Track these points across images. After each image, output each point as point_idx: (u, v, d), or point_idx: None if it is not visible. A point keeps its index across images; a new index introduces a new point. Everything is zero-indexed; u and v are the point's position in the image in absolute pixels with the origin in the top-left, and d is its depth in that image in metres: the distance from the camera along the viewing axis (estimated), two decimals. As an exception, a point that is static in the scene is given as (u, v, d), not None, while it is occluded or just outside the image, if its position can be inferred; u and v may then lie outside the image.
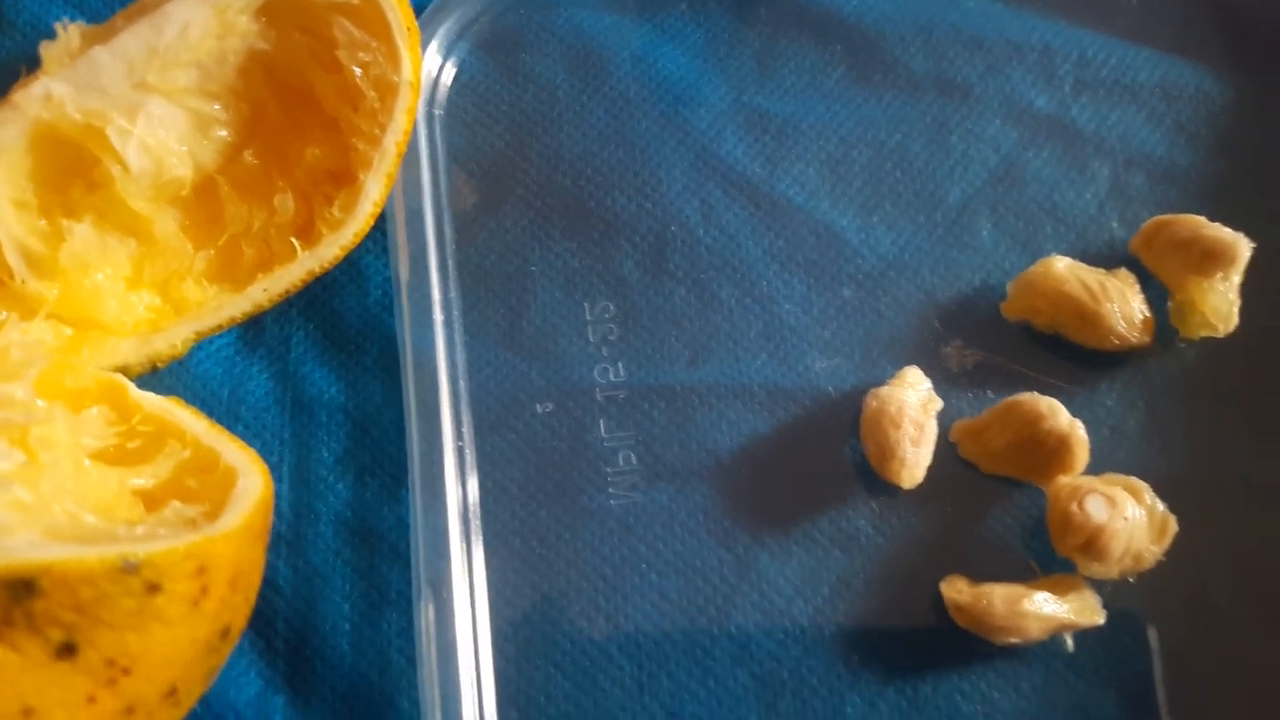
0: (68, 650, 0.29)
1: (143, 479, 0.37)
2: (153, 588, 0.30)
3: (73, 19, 0.47)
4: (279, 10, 0.43)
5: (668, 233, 0.47)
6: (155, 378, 0.44)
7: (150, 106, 0.42)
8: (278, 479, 0.44)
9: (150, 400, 0.41)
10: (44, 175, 0.41)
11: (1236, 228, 0.44)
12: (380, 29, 0.43)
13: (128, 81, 0.41)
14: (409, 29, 0.43)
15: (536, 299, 0.46)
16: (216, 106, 0.43)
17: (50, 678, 0.29)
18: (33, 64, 0.43)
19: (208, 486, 0.37)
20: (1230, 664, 0.41)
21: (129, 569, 0.29)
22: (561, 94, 0.50)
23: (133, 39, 0.40)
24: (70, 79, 0.40)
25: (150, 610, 0.30)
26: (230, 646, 0.34)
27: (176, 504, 0.34)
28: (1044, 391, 0.43)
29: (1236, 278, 0.44)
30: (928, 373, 0.44)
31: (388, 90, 0.43)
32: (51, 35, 0.46)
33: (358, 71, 0.43)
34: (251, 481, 0.36)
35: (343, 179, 0.44)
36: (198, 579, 0.31)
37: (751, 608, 0.42)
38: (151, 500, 0.37)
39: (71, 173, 0.42)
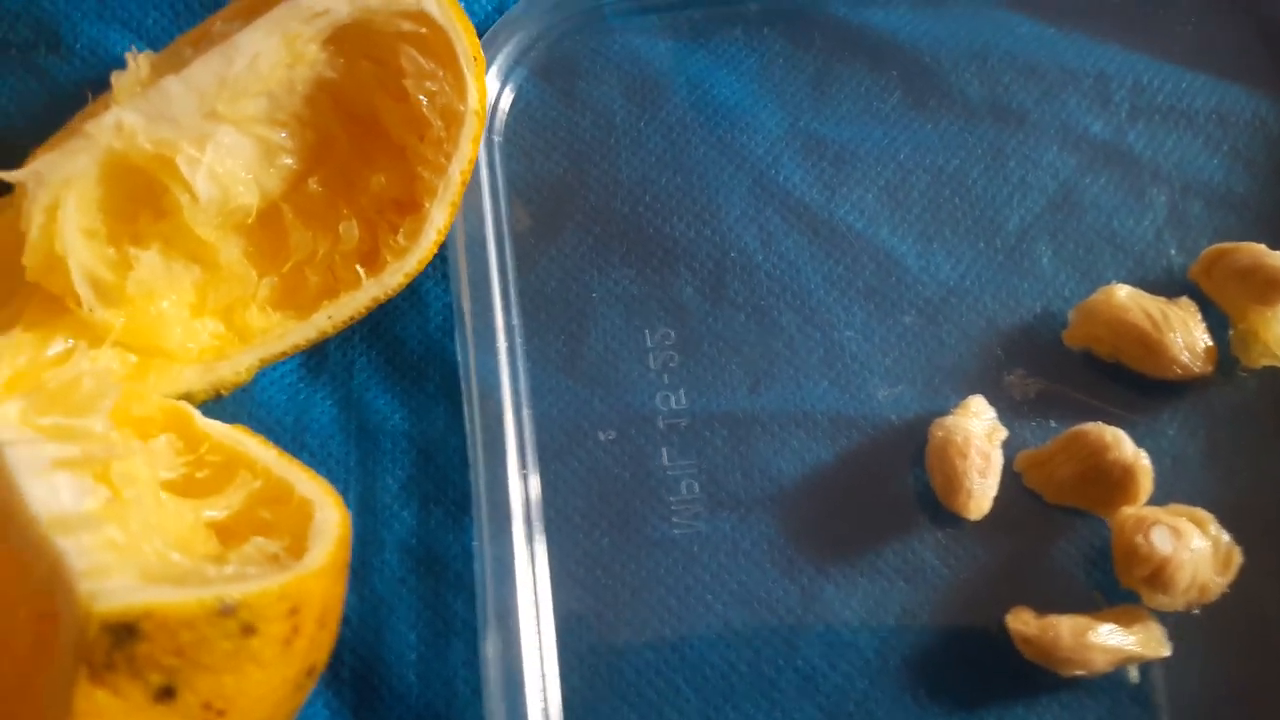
0: (167, 694, 0.29)
1: (215, 510, 0.37)
2: (248, 629, 0.30)
3: (132, 43, 0.47)
4: (347, 39, 0.43)
5: (727, 259, 0.47)
6: (219, 405, 0.44)
7: (219, 136, 0.42)
8: (344, 507, 0.44)
9: (217, 428, 0.41)
10: (113, 204, 0.41)
11: (1297, 256, 0.44)
12: (447, 58, 0.43)
13: (198, 111, 0.41)
14: (475, 58, 0.43)
15: (597, 326, 0.46)
16: (283, 134, 0.43)
17: (149, 721, 0.29)
18: (95, 88, 0.44)
19: (283, 519, 0.37)
20: (1296, 696, 0.41)
21: (226, 611, 0.29)
22: (618, 120, 0.50)
23: (203, 69, 0.40)
24: (141, 109, 0.40)
25: (246, 652, 0.30)
26: (314, 684, 0.34)
27: (259, 540, 0.34)
28: (1106, 420, 0.43)
29: (1299, 307, 0.44)
30: (991, 401, 0.44)
31: (454, 119, 0.43)
32: (110, 59, 0.47)
33: (424, 100, 0.43)
34: (330, 515, 0.36)
35: (407, 207, 0.44)
36: (290, 619, 0.31)
37: (817, 639, 0.42)
38: (225, 532, 0.37)
39: (140, 201, 0.42)
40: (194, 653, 0.29)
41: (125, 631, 0.28)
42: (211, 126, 0.41)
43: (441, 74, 0.42)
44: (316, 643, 0.33)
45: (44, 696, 0.30)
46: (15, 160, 0.40)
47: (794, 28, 0.51)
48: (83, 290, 0.41)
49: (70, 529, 0.31)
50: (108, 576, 0.29)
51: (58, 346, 0.41)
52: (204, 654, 0.29)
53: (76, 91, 0.45)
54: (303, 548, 0.34)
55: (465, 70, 0.42)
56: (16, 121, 0.48)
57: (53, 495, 0.32)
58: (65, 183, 0.39)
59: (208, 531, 0.37)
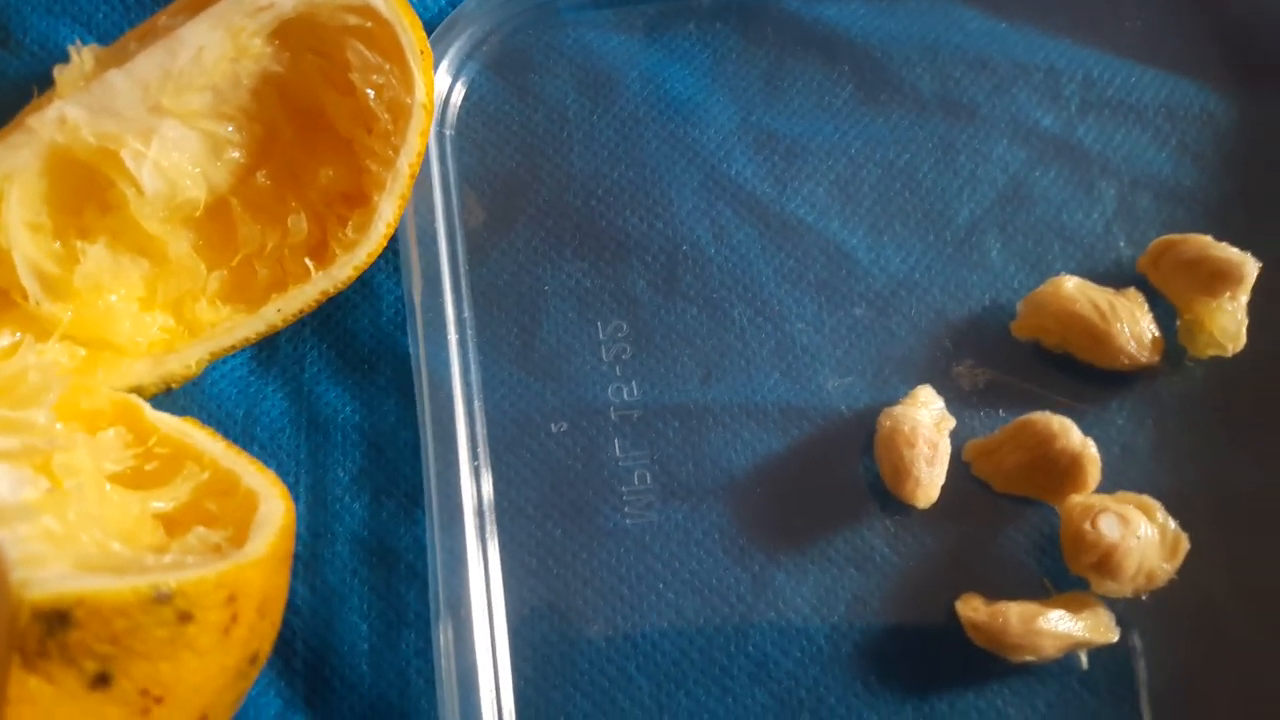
0: (102, 681, 0.29)
1: (162, 502, 0.37)
2: (185, 617, 0.30)
3: (81, 38, 0.47)
4: (292, 33, 0.43)
5: (679, 252, 0.48)
6: (169, 398, 0.44)
7: (164, 129, 0.41)
8: (294, 498, 0.43)
9: (166, 421, 0.41)
10: (58, 198, 0.41)
11: (1243, 247, 0.44)
12: (393, 52, 0.43)
13: (142, 105, 0.41)
14: (422, 51, 0.43)
15: (549, 318, 0.46)
16: (230, 128, 0.43)
17: (85, 708, 0.29)
18: (43, 83, 0.43)
19: (229, 510, 0.37)
20: (1242, 681, 0.41)
21: (162, 599, 0.29)
22: (571, 114, 0.50)
23: (147, 62, 0.40)
24: (85, 102, 0.40)
25: (183, 639, 0.30)
26: (257, 672, 0.34)
27: (201, 530, 0.34)
28: (1054, 410, 0.43)
29: (1244, 297, 0.44)
30: (940, 391, 0.45)
31: (401, 112, 0.43)
32: (60, 54, 0.46)
33: (371, 94, 0.43)
34: (274, 506, 0.36)
35: (356, 200, 0.44)
36: (228, 607, 0.31)
37: (769, 626, 0.42)
38: (171, 524, 0.37)
39: (85, 195, 0.42)
40: (129, 640, 0.29)
41: (57, 619, 0.28)
42: (156, 120, 0.41)
43: (388, 67, 0.42)
44: (257, 631, 0.33)
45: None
46: (-38, 155, 0.39)
47: (746, 22, 0.52)
48: (29, 283, 0.41)
49: (6, 519, 0.31)
50: (42, 565, 0.29)
51: (4, 340, 0.41)
52: (139, 641, 0.29)
53: (25, 86, 0.45)
54: (245, 538, 0.34)
55: (412, 63, 0.42)
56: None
57: (-10, 486, 0.32)
58: (7, 176, 0.39)
59: (154, 523, 0.37)
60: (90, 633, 0.28)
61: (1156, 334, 0.45)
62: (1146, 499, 0.42)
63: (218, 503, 0.37)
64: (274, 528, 0.35)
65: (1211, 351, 0.44)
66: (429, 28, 0.48)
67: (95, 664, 0.29)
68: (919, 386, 0.44)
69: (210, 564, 0.31)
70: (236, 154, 0.44)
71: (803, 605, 0.42)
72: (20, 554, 0.29)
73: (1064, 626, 0.40)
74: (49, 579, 0.28)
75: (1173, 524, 0.41)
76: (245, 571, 0.32)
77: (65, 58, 0.41)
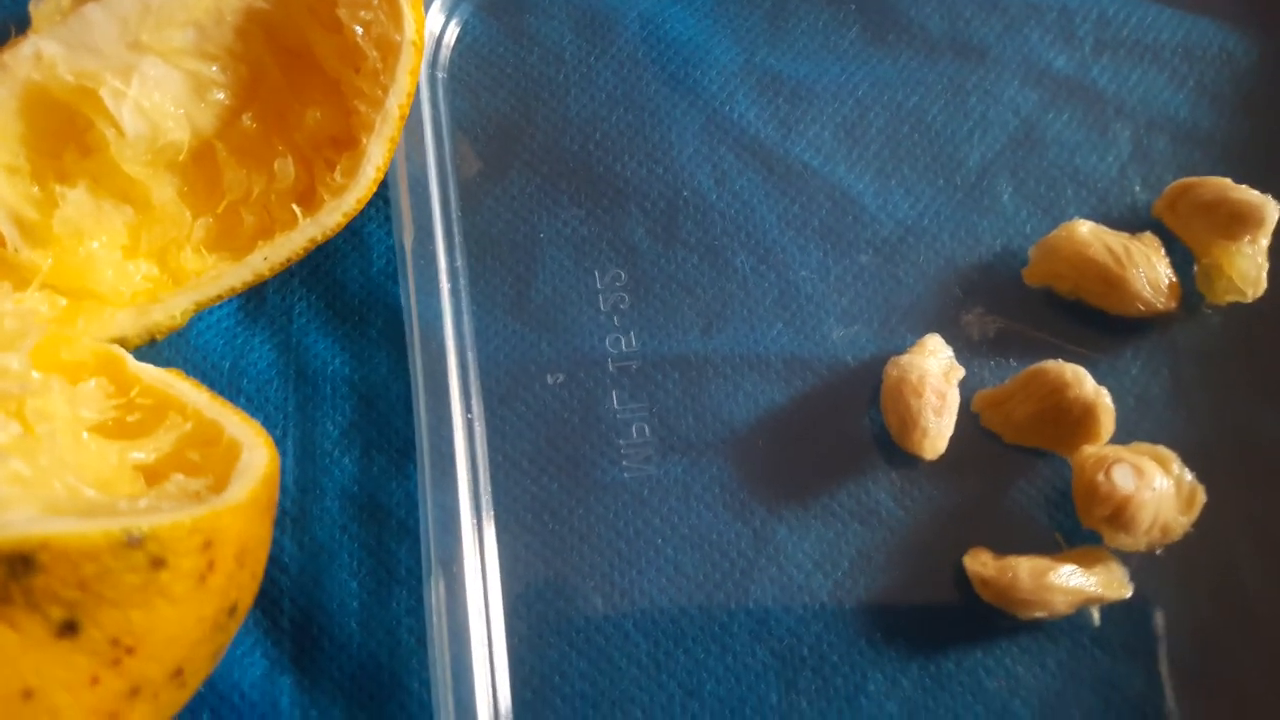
0: (69, 629, 0.28)
1: (143, 453, 0.36)
2: (158, 563, 0.29)
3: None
4: (278, -33, 0.41)
5: (679, 198, 0.46)
6: (154, 350, 0.43)
7: (145, 67, 0.40)
8: (282, 453, 0.42)
9: (149, 372, 0.39)
10: (36, 139, 0.40)
11: (1263, 190, 0.43)
12: (382, -13, 0.41)
13: (121, 41, 0.39)
14: (412, -14, 0.42)
15: (545, 267, 0.45)
16: (214, 68, 0.42)
17: (52, 657, 0.27)
18: (20, 24, 0.42)
19: (211, 460, 0.36)
20: (1259, 637, 0.40)
21: (133, 543, 0.28)
22: (568, 56, 0.49)
23: (126, -3, 0.39)
24: (61, 38, 0.39)
25: (155, 586, 0.29)
26: (237, 625, 0.33)
27: (179, 477, 0.33)
28: (1067, 359, 0.42)
29: (1265, 240, 0.43)
30: (949, 341, 0.43)
31: (390, 50, 0.41)
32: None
33: (359, 30, 0.41)
34: (257, 455, 0.35)
35: (344, 143, 0.43)
36: (204, 554, 0.30)
37: (770, 583, 0.40)
38: (153, 475, 0.36)
39: (64, 137, 0.41)
40: (98, 586, 0.28)
41: (21, 563, 0.27)
42: (136, 57, 0.40)
43: (376, 3, 0.41)
44: (236, 581, 0.32)
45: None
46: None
47: (749, -38, 0.50)
48: (6, 229, 0.40)
49: (-29, 462, 0.30)
50: (7, 509, 0.28)
51: (-19, 288, 0.40)
52: (109, 588, 0.28)
53: (3, 27, 0.44)
54: (225, 486, 0.33)
55: (401, -1, 0.41)
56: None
57: (-43, 430, 0.31)
58: (-19, 116, 0.38)
59: (134, 474, 0.36)
60: (56, 577, 0.27)
61: (1173, 279, 0.43)
62: (1162, 450, 0.40)
63: (200, 453, 0.36)
64: (256, 475, 0.33)
65: (1230, 297, 0.43)
66: (420, -33, 0.47)
67: (62, 610, 0.27)
68: (927, 335, 0.43)
69: (186, 509, 0.30)
70: (221, 95, 0.42)
71: (805, 561, 0.41)
72: (-15, 498, 0.28)
73: (1076, 582, 0.39)
74: (13, 522, 0.27)
75: (1189, 475, 0.40)
76: (223, 517, 0.31)
77: (40, -2, 0.40)
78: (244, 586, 0.33)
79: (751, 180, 0.46)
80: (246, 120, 0.43)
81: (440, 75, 0.47)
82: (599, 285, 0.45)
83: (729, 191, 0.46)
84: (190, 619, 0.30)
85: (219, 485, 0.33)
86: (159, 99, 0.41)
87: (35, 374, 0.36)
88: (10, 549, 0.26)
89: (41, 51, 0.38)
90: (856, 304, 0.44)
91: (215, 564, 0.30)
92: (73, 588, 0.27)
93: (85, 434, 0.35)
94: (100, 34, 0.39)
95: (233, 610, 0.32)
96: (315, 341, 0.44)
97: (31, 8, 0.39)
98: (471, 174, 0.46)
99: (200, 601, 0.30)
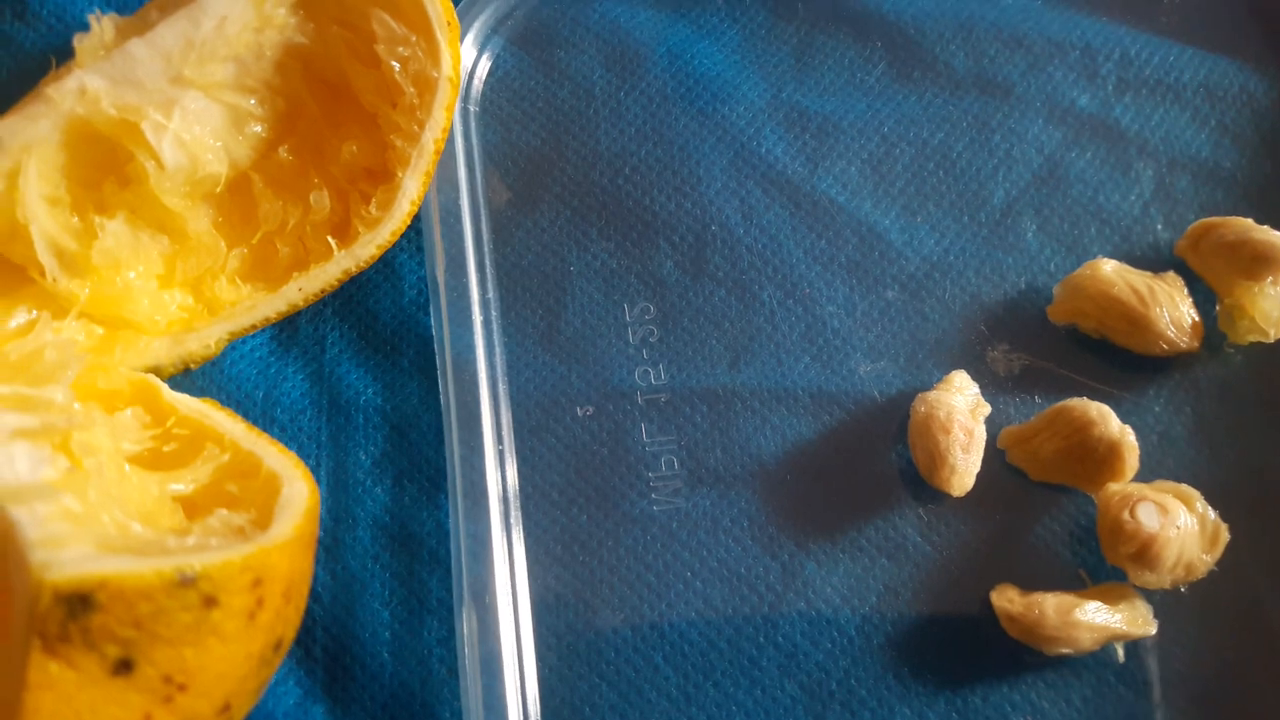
0: (124, 667, 0.28)
1: (182, 484, 0.37)
2: (210, 601, 0.29)
3: (100, 8, 0.46)
4: (317, 3, 0.42)
5: (707, 233, 0.47)
6: (188, 379, 0.43)
7: (186, 101, 0.41)
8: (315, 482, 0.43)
9: (185, 402, 0.40)
10: (77, 171, 0.40)
11: (1285, 231, 0.43)
12: (420, 23, 0.42)
13: (164, 76, 0.40)
14: (449, 23, 0.42)
15: (575, 300, 0.45)
16: (252, 101, 0.42)
17: (107, 695, 0.28)
18: (61, 55, 0.42)
19: (250, 492, 0.36)
20: (1284, 674, 0.40)
21: (186, 582, 0.28)
22: (597, 90, 0.49)
23: (169, 32, 0.39)
24: (105, 72, 0.39)
25: (207, 625, 0.29)
26: (281, 659, 0.33)
27: (223, 512, 0.34)
28: (1090, 396, 0.42)
29: (1287, 282, 0.43)
30: (974, 377, 0.44)
31: (426, 86, 0.42)
32: (77, 25, 0.45)
33: (396, 67, 0.42)
34: (298, 488, 0.35)
35: (379, 176, 0.43)
36: (254, 591, 0.30)
37: (798, 617, 0.41)
38: (191, 506, 0.36)
39: (104, 168, 0.41)
40: (152, 625, 0.28)
41: (79, 602, 0.27)
42: (178, 91, 0.40)
43: (414, 39, 0.41)
44: (282, 616, 0.32)
45: (2, 669, 0.29)
46: (-22, 127, 0.39)
47: (776, -1, 0.51)
48: (46, 260, 0.40)
49: (25, 498, 0.30)
50: (63, 546, 0.28)
51: (20, 317, 0.40)
52: (163, 626, 0.28)
53: (42, 59, 0.44)
54: (269, 521, 0.33)
55: (439, 35, 0.41)
56: (-20, 89, 0.47)
57: (8, 464, 0.31)
58: (26, 148, 0.38)
59: (174, 505, 0.36)
60: (113, 616, 0.27)
61: (1196, 319, 0.44)
62: (1185, 488, 0.41)
63: (239, 485, 0.36)
64: (299, 510, 0.34)
65: (1252, 337, 0.43)
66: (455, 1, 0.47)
67: (117, 649, 0.28)
68: (954, 372, 0.43)
69: (234, 547, 0.30)
70: (259, 128, 0.43)
71: (833, 595, 0.41)
72: (40, 534, 0.29)
73: (1101, 618, 0.39)
74: (71, 560, 0.27)
75: (1212, 514, 0.40)
76: (271, 555, 0.31)
77: (82, 29, 0.40)
78: (289, 621, 0.33)
79: (779, 215, 0.47)
80: (283, 153, 0.43)
81: (472, 109, 0.48)
82: (628, 318, 0.45)
83: (756, 226, 0.47)
84: (239, 655, 0.30)
85: (262, 519, 0.33)
86: (199, 132, 0.41)
87: (76, 405, 0.36)
88: (70, 589, 0.27)
89: (86, 86, 0.39)
90: (883, 339, 0.45)
91: (264, 601, 0.31)
92: (129, 626, 0.28)
93: (127, 466, 0.35)
94: (144, 69, 0.39)
95: (278, 645, 0.32)
96: (348, 371, 0.45)
97: (76, 42, 0.39)
98: (502, 206, 0.47)
99: (249, 638, 0.30)
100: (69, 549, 0.28)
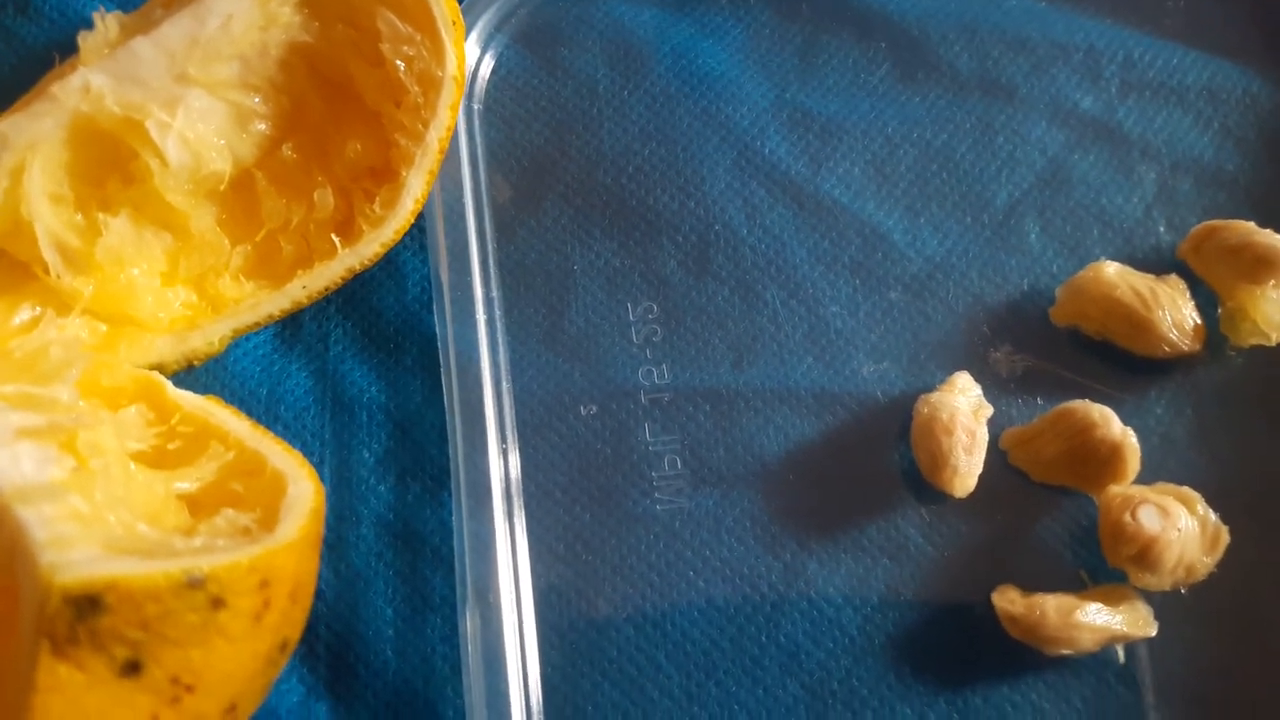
0: (133, 668, 0.28)
1: (186, 483, 0.37)
2: (217, 603, 0.29)
3: (101, 4, 0.46)
4: (322, 2, 0.42)
5: (711, 232, 0.47)
6: (191, 376, 0.43)
7: (190, 99, 0.40)
8: (318, 481, 0.43)
9: (189, 399, 0.40)
10: (81, 168, 0.40)
11: (1287, 234, 0.43)
12: (425, 22, 0.42)
13: (169, 74, 0.40)
14: (454, 22, 0.42)
15: (578, 299, 0.46)
16: (256, 99, 0.42)
17: (115, 696, 0.28)
18: (63, 50, 0.42)
19: (255, 492, 0.36)
20: (1283, 676, 0.40)
21: (194, 583, 0.28)
22: (601, 89, 0.49)
23: (174, 30, 0.39)
24: (109, 70, 0.39)
25: (214, 626, 0.29)
26: (287, 659, 0.33)
27: (229, 512, 0.34)
28: (1092, 398, 0.42)
29: (1289, 285, 0.43)
30: (976, 378, 0.44)
31: (431, 85, 0.42)
32: (80, 21, 0.45)
33: (401, 65, 0.42)
34: (303, 488, 0.35)
35: (383, 175, 0.43)
36: (260, 593, 0.30)
37: (800, 616, 0.41)
38: (196, 505, 0.36)
39: (108, 166, 0.41)
40: (160, 626, 0.28)
41: (88, 604, 0.27)
42: (182, 90, 0.40)
43: (419, 38, 0.41)
44: (289, 617, 0.32)
45: (7, 672, 0.29)
46: (-19, 124, 0.38)
47: (781, -2, 0.51)
48: (50, 256, 0.40)
49: (32, 499, 0.30)
50: (70, 548, 0.28)
51: (24, 314, 0.40)
52: (171, 627, 0.28)
53: (45, 54, 0.44)
54: (274, 521, 0.33)
55: (443, 35, 0.41)
56: (-18, 85, 0.46)
57: (14, 464, 0.31)
58: (30, 146, 0.38)
59: (178, 504, 0.36)
60: (121, 618, 0.27)
61: (1198, 321, 0.44)
62: (1186, 490, 0.41)
63: (244, 483, 0.36)
64: (304, 510, 0.34)
65: (1254, 340, 0.44)
66: (458, -1, 0.47)
67: (126, 651, 0.28)
68: (957, 373, 0.44)
69: (242, 548, 0.30)
70: (263, 126, 0.43)
71: (835, 595, 0.41)
72: (48, 535, 0.29)
73: (1102, 620, 0.39)
74: (79, 562, 0.27)
75: (1213, 516, 0.41)
76: (278, 556, 0.31)
77: (85, 25, 0.40)
78: (295, 622, 0.33)
79: (782, 215, 0.47)
80: (287, 151, 0.43)
81: (476, 107, 0.48)
82: (631, 317, 0.45)
83: (760, 226, 0.47)
84: (246, 656, 0.30)
85: (268, 519, 0.33)
86: (202, 130, 0.41)
87: (81, 403, 0.36)
88: (79, 590, 0.27)
89: (90, 84, 0.39)
90: (886, 340, 0.45)
91: (271, 602, 0.31)
92: (136, 628, 0.28)
93: (132, 465, 0.35)
94: (148, 67, 0.39)
95: (284, 645, 0.32)
96: (351, 369, 0.45)
97: (80, 39, 0.39)
98: (505, 204, 0.47)
99: (256, 639, 0.30)
100: (77, 550, 0.28)
